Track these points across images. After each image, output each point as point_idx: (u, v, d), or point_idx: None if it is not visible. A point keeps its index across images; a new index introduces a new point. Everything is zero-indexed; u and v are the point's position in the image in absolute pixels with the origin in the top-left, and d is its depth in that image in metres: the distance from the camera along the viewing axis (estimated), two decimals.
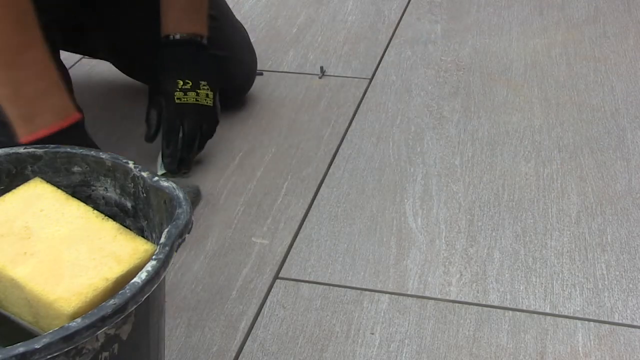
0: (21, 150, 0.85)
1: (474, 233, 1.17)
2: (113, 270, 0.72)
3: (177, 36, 1.30)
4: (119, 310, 0.65)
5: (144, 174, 0.82)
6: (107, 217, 0.79)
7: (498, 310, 1.04)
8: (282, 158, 1.36)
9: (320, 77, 1.60)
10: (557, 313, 1.03)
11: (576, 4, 1.85)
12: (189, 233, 0.75)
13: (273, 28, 1.81)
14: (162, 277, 0.70)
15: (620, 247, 1.14)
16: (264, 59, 1.65)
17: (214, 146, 1.38)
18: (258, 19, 1.85)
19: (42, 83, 1.08)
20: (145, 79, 1.48)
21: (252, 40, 1.51)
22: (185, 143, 1.28)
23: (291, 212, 1.23)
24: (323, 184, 1.29)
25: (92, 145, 1.12)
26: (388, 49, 1.70)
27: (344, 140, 1.40)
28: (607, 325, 1.01)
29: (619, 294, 1.06)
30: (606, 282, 1.08)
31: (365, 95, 1.54)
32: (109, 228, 0.77)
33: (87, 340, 0.65)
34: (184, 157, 1.29)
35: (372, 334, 1.01)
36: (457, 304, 1.05)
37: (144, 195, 0.82)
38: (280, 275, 1.11)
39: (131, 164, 0.83)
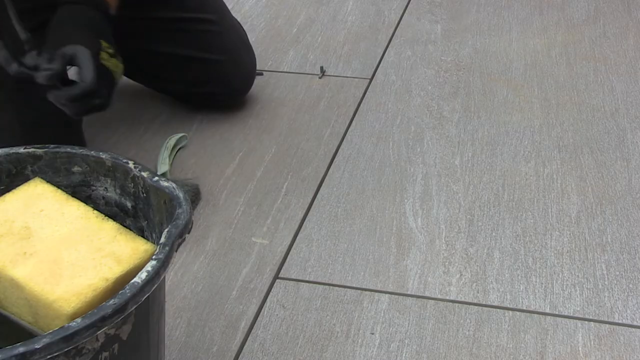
0: (21, 150, 0.85)
1: (474, 233, 1.17)
2: (113, 271, 0.72)
3: None
4: (119, 310, 0.65)
5: (144, 174, 0.82)
6: (107, 217, 0.79)
7: (498, 310, 1.04)
8: (282, 158, 1.36)
9: (320, 77, 1.60)
10: (557, 313, 1.03)
11: (576, 4, 1.85)
12: (189, 233, 0.75)
13: (273, 28, 1.81)
14: (162, 277, 0.70)
15: (620, 247, 1.14)
16: (264, 59, 1.65)
17: (214, 146, 1.38)
18: (258, 19, 1.85)
19: None
20: (146, 83, 1.49)
21: (252, 40, 1.51)
22: (85, 90, 1.05)
23: (291, 212, 1.23)
24: (323, 184, 1.29)
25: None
26: (388, 49, 1.70)
27: (344, 140, 1.40)
28: (607, 325, 1.01)
29: (619, 294, 1.06)
30: (606, 282, 1.08)
31: (365, 95, 1.54)
32: (108, 228, 0.77)
33: (87, 340, 0.65)
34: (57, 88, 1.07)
35: (372, 334, 1.01)
36: (457, 304, 1.05)
37: (144, 195, 0.82)
38: (280, 275, 1.11)
39: (131, 164, 0.83)
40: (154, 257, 0.70)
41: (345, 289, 1.09)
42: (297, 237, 1.18)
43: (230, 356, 0.99)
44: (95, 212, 0.79)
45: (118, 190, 0.85)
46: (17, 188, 0.82)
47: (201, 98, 1.47)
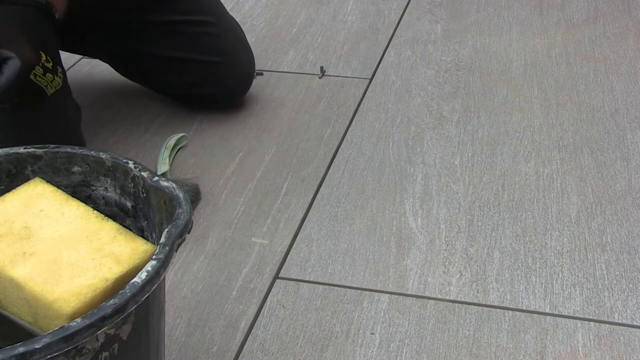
0: (21, 150, 0.85)
1: (474, 233, 1.17)
2: (112, 271, 0.72)
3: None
4: (119, 310, 0.65)
5: (144, 174, 0.82)
6: (107, 217, 0.79)
7: (498, 310, 1.04)
8: (282, 158, 1.36)
9: (320, 77, 1.60)
10: (557, 313, 1.03)
11: (576, 4, 1.85)
12: (189, 233, 0.75)
13: (273, 28, 1.81)
14: (162, 277, 0.70)
15: (620, 247, 1.14)
16: (264, 59, 1.65)
17: (214, 146, 1.38)
18: (258, 19, 1.85)
19: None
20: (145, 84, 1.49)
21: (251, 40, 1.51)
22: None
23: (291, 212, 1.23)
24: (323, 184, 1.29)
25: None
26: (388, 49, 1.70)
27: (344, 140, 1.40)
28: (607, 325, 1.01)
29: (619, 294, 1.06)
30: (606, 282, 1.08)
31: (365, 95, 1.54)
32: (108, 228, 0.77)
33: (87, 340, 0.65)
34: None
35: (372, 334, 1.01)
36: (457, 304, 1.05)
37: (144, 195, 0.82)
38: (280, 275, 1.11)
39: (131, 164, 0.83)
40: (154, 257, 0.70)
41: (345, 289, 1.09)
42: (297, 237, 1.18)
43: (230, 356, 0.99)
44: (95, 212, 0.79)
45: (118, 190, 0.85)
46: (17, 188, 0.82)
47: (200, 99, 1.47)
